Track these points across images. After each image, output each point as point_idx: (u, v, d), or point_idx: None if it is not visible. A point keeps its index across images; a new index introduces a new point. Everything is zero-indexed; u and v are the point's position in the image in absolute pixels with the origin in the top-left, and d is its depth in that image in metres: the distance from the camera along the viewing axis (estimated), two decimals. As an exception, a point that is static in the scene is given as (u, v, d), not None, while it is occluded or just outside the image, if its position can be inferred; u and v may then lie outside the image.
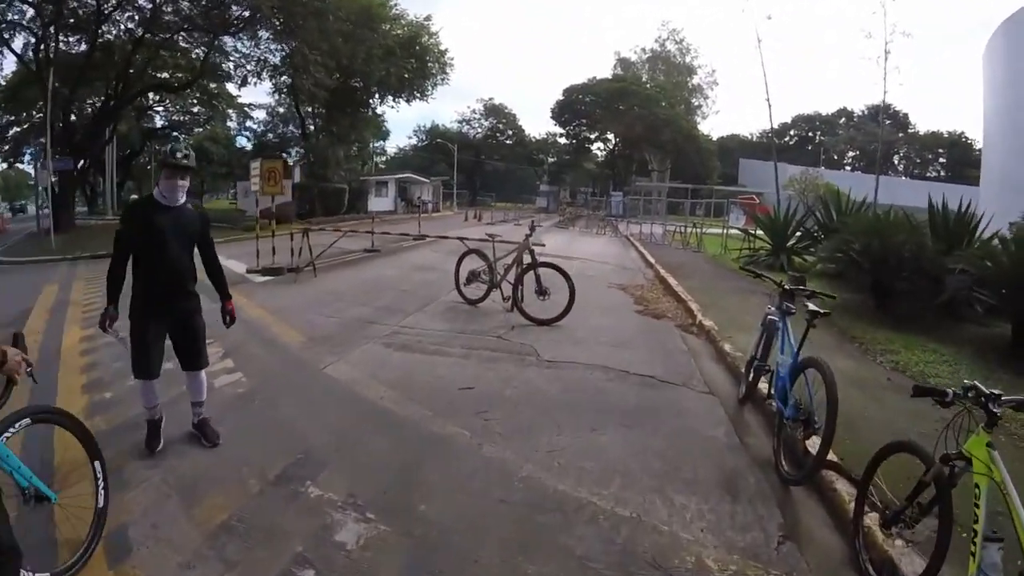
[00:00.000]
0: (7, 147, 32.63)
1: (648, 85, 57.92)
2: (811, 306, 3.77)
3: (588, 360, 5.92)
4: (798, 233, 14.11)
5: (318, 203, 29.61)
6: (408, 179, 44.38)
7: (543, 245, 8.68)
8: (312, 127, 32.62)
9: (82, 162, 30.08)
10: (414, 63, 30.70)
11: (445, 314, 7.99)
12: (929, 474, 2.49)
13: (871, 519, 3.02)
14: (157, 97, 38.48)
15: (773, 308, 4.43)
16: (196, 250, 3.98)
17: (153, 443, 3.73)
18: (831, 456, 3.47)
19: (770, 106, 30.48)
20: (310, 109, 32.13)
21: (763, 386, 4.65)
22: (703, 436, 4.28)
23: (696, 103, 65.29)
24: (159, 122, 43.66)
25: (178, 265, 3.76)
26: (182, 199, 3.78)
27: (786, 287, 4.29)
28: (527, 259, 7.88)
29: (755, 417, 4.70)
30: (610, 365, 5.76)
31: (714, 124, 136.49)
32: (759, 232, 15.49)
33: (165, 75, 28.74)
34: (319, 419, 4.40)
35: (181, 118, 42.89)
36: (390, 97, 33.23)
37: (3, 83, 26.77)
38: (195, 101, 39.39)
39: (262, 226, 12.81)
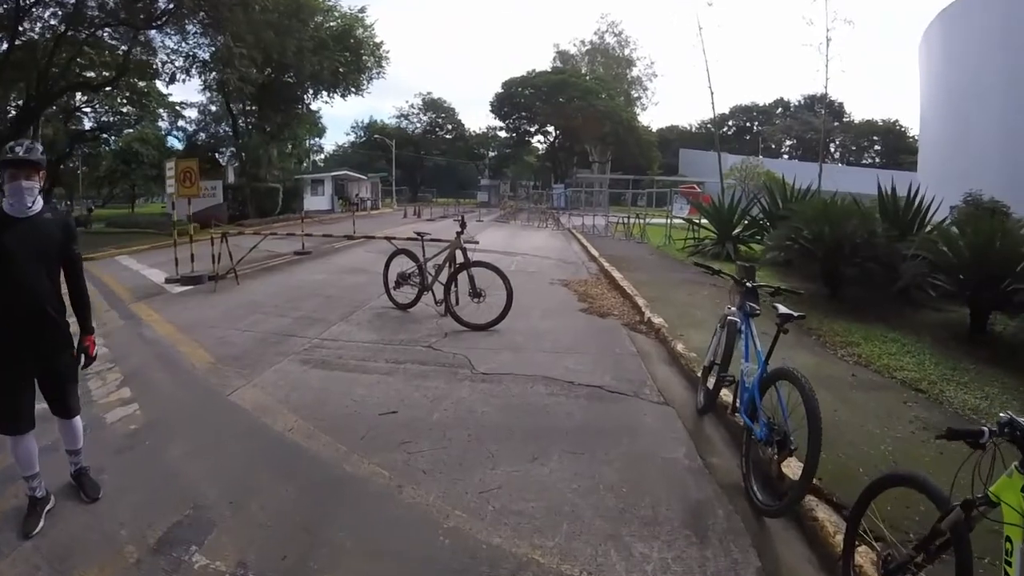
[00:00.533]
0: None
1: (588, 77, 57.92)
2: (781, 308, 3.24)
3: (528, 371, 5.31)
4: (744, 222, 13.94)
5: (251, 204, 27.99)
6: (345, 176, 42.79)
7: (477, 243, 8.00)
8: (244, 125, 30.82)
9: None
10: (348, 56, 29.28)
11: (372, 322, 7.23)
12: (946, 522, 1.98)
13: (864, 558, 2.52)
14: (85, 98, 35.96)
15: (733, 308, 3.92)
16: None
17: (31, 524, 2.92)
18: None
19: (712, 94, 30.38)
20: (241, 106, 30.36)
21: (725, 394, 4.13)
22: (661, 459, 3.72)
23: (636, 95, 66.01)
24: (88, 124, 40.85)
25: (36, 289, 2.98)
26: (35, 205, 2.97)
27: (748, 284, 3.77)
28: (461, 258, 7.21)
29: (718, 431, 4.19)
30: (553, 375, 5.17)
31: (654, 115, 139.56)
32: (703, 221, 15.29)
33: (91, 73, 26.54)
34: (215, 462, 3.67)
35: (110, 119, 40.16)
36: (324, 92, 31.70)
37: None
38: (124, 101, 36.94)
39: (180, 231, 11.61)
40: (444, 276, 7.35)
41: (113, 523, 2.98)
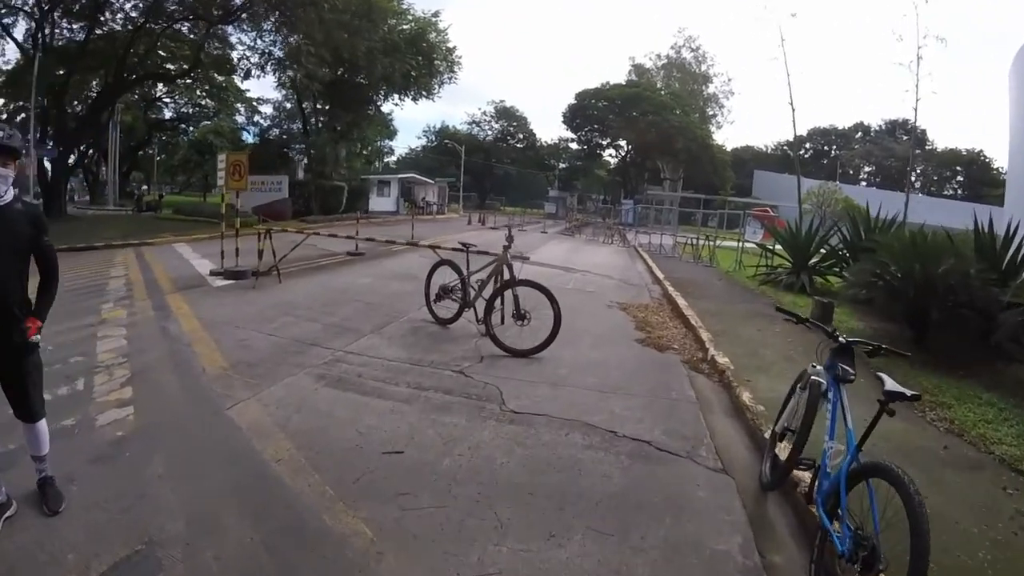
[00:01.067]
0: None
1: (663, 92, 56.52)
2: (887, 381, 2.45)
3: (566, 413, 4.59)
4: (821, 251, 12.72)
5: (316, 201, 28.49)
6: (412, 179, 43.25)
7: (526, 258, 7.35)
8: (314, 123, 31.50)
9: (82, 150, 29.37)
10: (420, 60, 29.46)
11: (406, 337, 6.70)
12: None
13: None
14: (165, 89, 38.03)
15: (819, 368, 3.11)
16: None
17: None
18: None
19: (793, 110, 28.35)
20: (312, 105, 31.07)
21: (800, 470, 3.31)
22: (710, 551, 2.94)
23: (711, 112, 64.07)
24: (168, 114, 43.18)
25: (3, 286, 2.76)
26: (7, 195, 2.74)
27: (842, 340, 2.96)
28: (508, 275, 6.59)
29: (785, 515, 3.35)
30: (594, 422, 4.43)
31: (728, 134, 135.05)
32: (778, 248, 14.10)
33: (170, 66, 27.85)
34: (189, 489, 3.23)
35: (189, 110, 42.31)
36: (395, 94, 32.01)
37: (5, 69, 26.06)
38: (203, 94, 38.77)
39: (229, 224, 11.57)
40: (489, 292, 6.76)
41: (64, 544, 2.69)
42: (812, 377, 3.14)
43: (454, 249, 7.57)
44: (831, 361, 2.96)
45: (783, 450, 3.43)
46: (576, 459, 3.80)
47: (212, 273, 10.42)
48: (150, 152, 47.56)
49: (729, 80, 78.63)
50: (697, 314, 8.68)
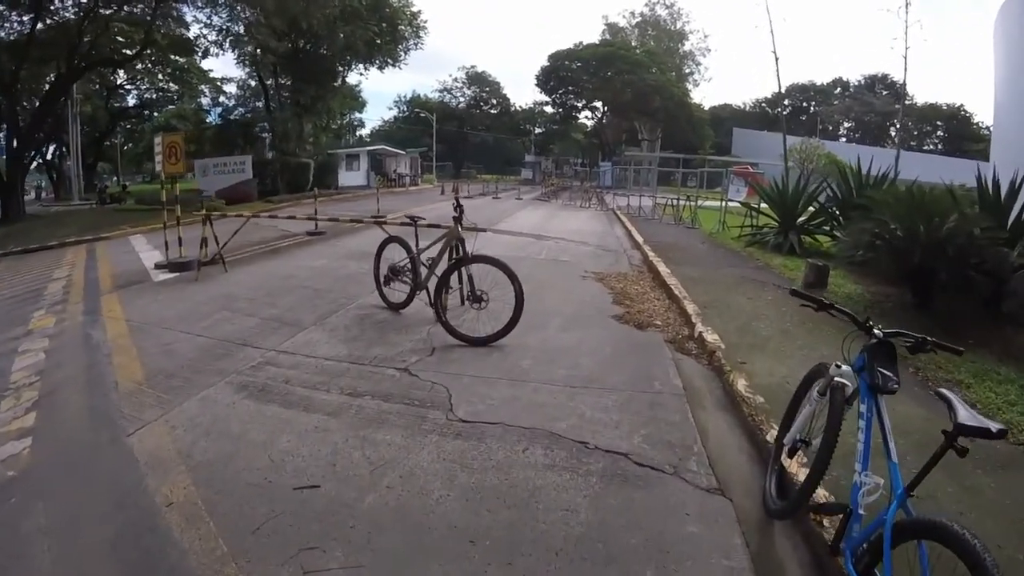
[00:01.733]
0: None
1: (638, 51, 54.95)
2: (959, 408, 1.71)
3: (526, 419, 3.81)
4: (810, 209, 11.99)
5: (281, 179, 27.25)
6: (382, 151, 41.68)
7: (482, 231, 6.50)
8: (276, 99, 29.98)
9: (42, 146, 27.72)
10: (384, 27, 27.96)
11: (350, 328, 5.86)
12: None
13: None
14: (127, 76, 36.30)
15: (846, 369, 2.35)
16: None
17: None
18: None
19: (777, 59, 25.36)
20: (273, 80, 29.54)
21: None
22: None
23: (687, 70, 62.64)
24: (131, 101, 41.31)
25: None
26: None
27: (879, 333, 2.19)
28: (461, 250, 5.75)
29: (798, 558, 2.62)
30: (560, 430, 3.65)
31: (706, 92, 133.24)
32: (763, 207, 13.35)
33: (126, 51, 26.20)
34: (66, 545, 2.64)
35: (153, 96, 40.45)
36: (359, 64, 30.53)
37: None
38: (165, 78, 37.08)
39: (187, 212, 10.54)
40: (442, 271, 5.94)
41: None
42: (835, 379, 2.38)
43: (402, 224, 6.69)
44: (865, 361, 2.20)
45: (794, 466, 2.69)
46: (534, 487, 3.02)
47: (156, 266, 9.53)
48: (116, 141, 45.52)
49: (705, 37, 77.41)
50: (681, 282, 7.94)
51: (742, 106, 75.91)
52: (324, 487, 3.02)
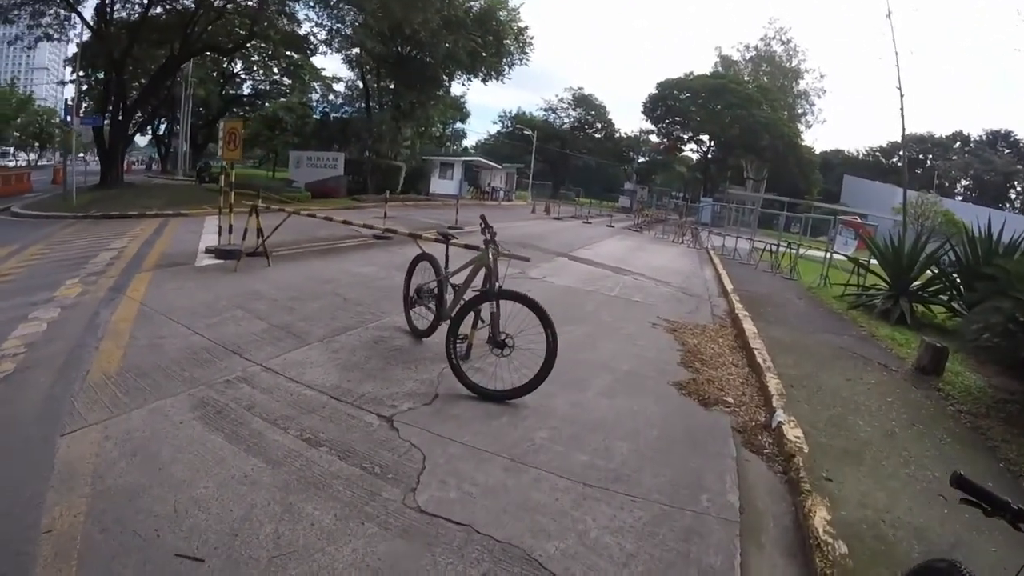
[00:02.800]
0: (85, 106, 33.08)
1: (750, 85, 52.40)
2: None
3: (504, 526, 2.75)
4: (927, 272, 10.14)
5: (371, 180, 27.53)
6: (478, 163, 41.67)
7: (525, 259, 5.44)
8: (378, 102, 30.52)
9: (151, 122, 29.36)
10: (489, 39, 27.78)
11: (357, 351, 5.02)
12: None
13: None
14: (243, 66, 38.70)
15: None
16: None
17: None
18: None
19: (902, 96, 19.80)
20: (378, 83, 30.13)
21: None
22: None
23: (800, 110, 59.38)
24: (246, 90, 44.04)
25: None
26: None
27: None
28: (492, 282, 4.77)
29: None
30: (544, 558, 2.54)
31: (818, 135, 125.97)
32: (873, 262, 11.49)
33: (235, 39, 27.66)
34: None
35: (266, 87, 42.88)
36: (462, 74, 30.53)
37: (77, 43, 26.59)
38: (279, 72, 39.21)
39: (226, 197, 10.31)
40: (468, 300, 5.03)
41: None
42: None
43: (436, 239, 5.83)
44: None
45: None
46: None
47: (207, 250, 9.30)
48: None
49: (821, 77, 72.99)
50: (767, 346, 6.59)
51: (854, 153, 71.16)
52: (209, 564, 2.29)
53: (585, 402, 4.46)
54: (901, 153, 31.68)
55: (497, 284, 4.33)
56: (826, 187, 55.06)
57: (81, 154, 38.15)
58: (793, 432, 4.12)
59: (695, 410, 4.67)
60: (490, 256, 4.48)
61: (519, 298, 4.22)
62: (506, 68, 30.26)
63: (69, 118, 18.51)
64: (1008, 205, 60.43)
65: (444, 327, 5.10)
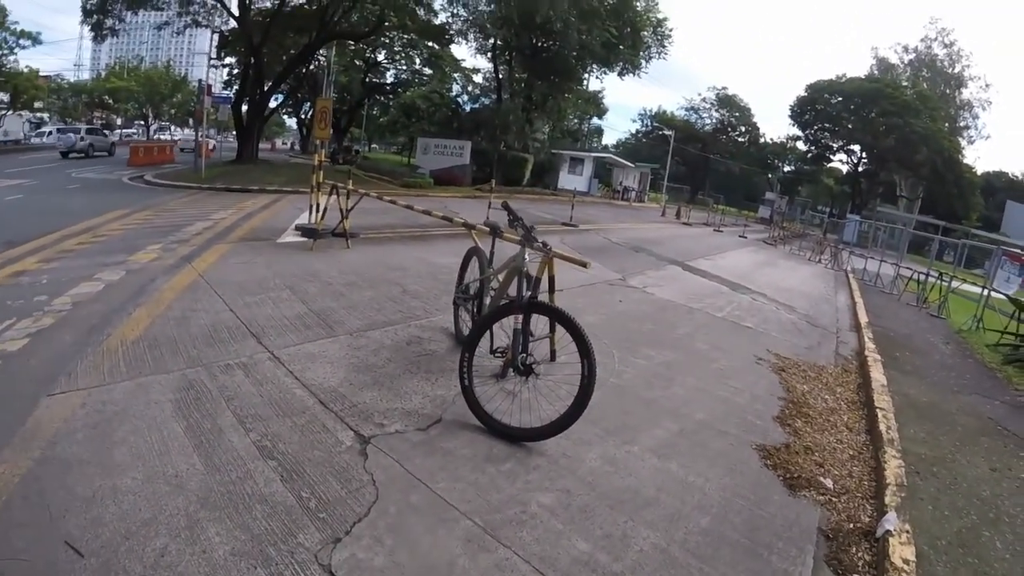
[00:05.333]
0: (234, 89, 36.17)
1: (908, 92, 46.32)
2: None
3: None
4: None
5: (497, 170, 27.39)
6: (610, 160, 40.41)
7: (584, 265, 4.46)
8: (509, 92, 30.33)
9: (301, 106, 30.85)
10: (625, 31, 26.49)
11: (380, 352, 4.42)
12: None
13: None
14: (386, 56, 40.48)
15: None
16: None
17: None
18: None
19: None
20: (511, 73, 29.94)
21: None
22: None
23: (962, 123, 51.74)
24: (389, 79, 46.05)
25: None
26: None
27: None
28: (524, 291, 3.89)
29: None
30: None
31: (980, 153, 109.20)
32: None
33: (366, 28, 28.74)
34: None
35: (408, 76, 44.56)
36: (597, 66, 29.47)
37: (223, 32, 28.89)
38: (421, 62, 40.56)
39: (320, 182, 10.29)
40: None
41: None
42: None
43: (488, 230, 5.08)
44: None
45: None
46: None
47: (298, 227, 9.36)
48: (374, 112, 51.15)
49: (987, 86, 63.40)
50: (896, 407, 5.19)
51: (1019, 177, 60.84)
52: (86, 562, 2.13)
53: (624, 460, 3.46)
54: None
55: (528, 293, 3.49)
56: (986, 213, 47.75)
57: (234, 133, 42.03)
58: (903, 552, 2.89)
59: (774, 493, 3.47)
60: (526, 258, 3.65)
61: (552, 313, 3.36)
62: (643, 62, 28.78)
63: (203, 97, 20.15)
64: None
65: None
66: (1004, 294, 11.74)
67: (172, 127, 60.07)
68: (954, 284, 13.01)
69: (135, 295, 5.12)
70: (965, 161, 48.30)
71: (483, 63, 46.62)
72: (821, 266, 19.77)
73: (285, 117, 59.24)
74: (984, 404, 6.06)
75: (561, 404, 3.39)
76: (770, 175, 62.49)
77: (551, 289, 4.34)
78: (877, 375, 6.23)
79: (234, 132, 32.26)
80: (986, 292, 11.91)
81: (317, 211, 9.08)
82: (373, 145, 61.80)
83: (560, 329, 3.47)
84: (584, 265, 4.08)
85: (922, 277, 13.86)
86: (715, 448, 3.90)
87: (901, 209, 42.90)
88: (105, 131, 35.92)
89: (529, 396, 3.60)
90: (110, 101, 53.21)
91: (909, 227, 29.26)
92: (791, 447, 4.14)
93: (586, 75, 31.43)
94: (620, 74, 29.83)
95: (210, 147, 24.85)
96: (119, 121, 57.31)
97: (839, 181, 57.93)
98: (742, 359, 6.22)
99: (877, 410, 5.11)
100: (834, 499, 3.52)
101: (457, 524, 2.59)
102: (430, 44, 32.23)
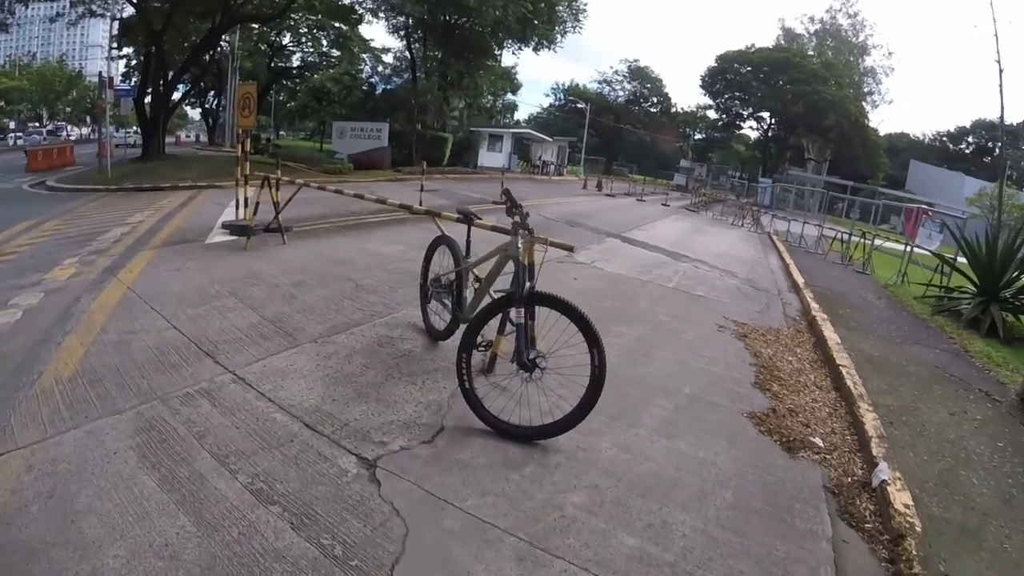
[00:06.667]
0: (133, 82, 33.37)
1: (815, 60, 49.07)
2: None
3: None
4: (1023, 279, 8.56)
5: (416, 151, 26.66)
6: (528, 135, 40.35)
7: (569, 250, 4.24)
8: (424, 71, 29.51)
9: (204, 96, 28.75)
10: (541, 6, 26.30)
11: (354, 357, 4.09)
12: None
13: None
14: (291, 38, 38.49)
15: None
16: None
17: None
18: None
19: (1001, 72, 13.33)
20: (424, 52, 29.12)
21: None
22: None
23: (866, 89, 55.62)
24: (295, 62, 43.89)
25: None
26: None
27: None
28: (522, 281, 3.65)
29: None
30: None
31: (884, 116, 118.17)
32: (962, 261, 9.93)
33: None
34: None
35: (315, 59, 42.60)
36: (512, 42, 29.15)
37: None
38: (328, 43, 38.90)
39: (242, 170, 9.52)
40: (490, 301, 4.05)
41: None
42: None
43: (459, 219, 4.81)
44: None
45: None
46: None
47: (225, 225, 8.60)
48: (272, 99, 48.61)
49: (890, 54, 68.09)
50: (856, 366, 5.40)
51: (920, 137, 66.29)
52: None
53: (637, 444, 3.41)
54: (1001, 137, 28.73)
55: (528, 284, 3.28)
56: (891, 173, 51.63)
57: (135, 128, 38.80)
58: (901, 498, 3.04)
59: (777, 457, 3.57)
60: (520, 246, 3.43)
61: (557, 304, 3.18)
62: (558, 36, 28.71)
63: (104, 91, 18.38)
64: None
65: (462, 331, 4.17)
66: (928, 250, 12.64)
67: (67, 127, 54.83)
68: (877, 242, 13.82)
69: (60, 320, 4.44)
70: (870, 125, 51.59)
71: (394, 42, 45.16)
72: (745, 230, 20.60)
73: (188, 109, 55.40)
74: (927, 353, 6.44)
75: (557, 396, 3.27)
76: (682, 144, 64.47)
77: (530, 276, 4.16)
78: (829, 334, 6.48)
79: (135, 128, 29.86)
80: (909, 249, 12.75)
81: (246, 206, 8.43)
82: (281, 132, 58.80)
83: (547, 316, 3.27)
84: (570, 250, 3.88)
85: (846, 237, 14.63)
86: (712, 421, 3.94)
87: (809, 171, 45.47)
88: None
89: (525, 391, 3.39)
90: (1, 104, 47.99)
91: (819, 188, 31.07)
92: (777, 411, 4.25)
93: (500, 51, 31.03)
94: (535, 49, 29.67)
95: (113, 144, 22.78)
96: (12, 124, 51.47)
97: (749, 147, 60.57)
98: (705, 328, 6.32)
99: (840, 367, 5.31)
100: (827, 456, 3.67)
101: (502, 543, 2.40)
102: (338, 25, 30.76)
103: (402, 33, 28.72)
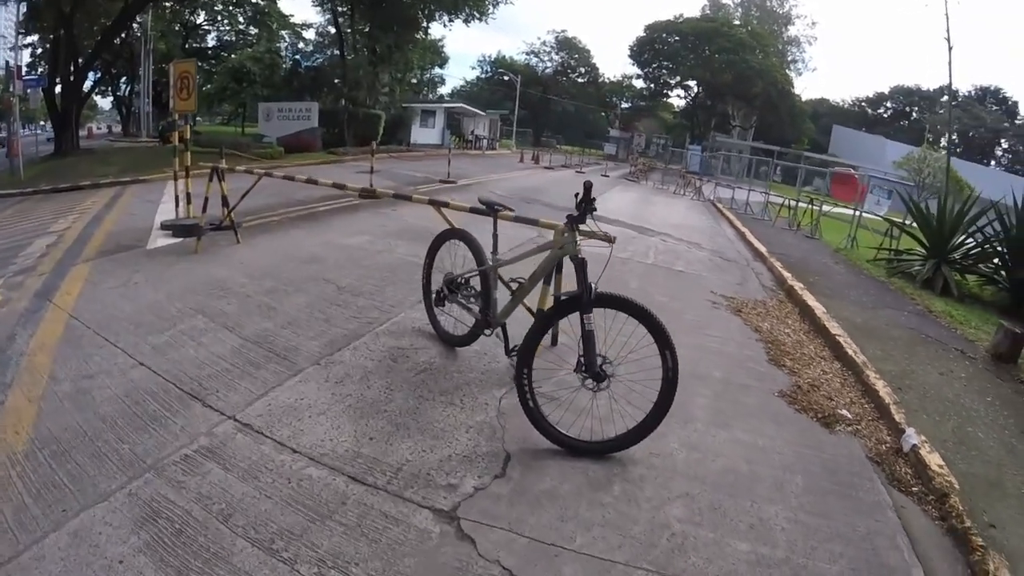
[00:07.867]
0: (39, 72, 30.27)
1: (743, 30, 50.40)
2: None
3: None
4: (968, 241, 9.17)
5: (348, 131, 25.45)
6: (460, 110, 39.46)
7: (610, 241, 3.81)
8: (352, 46, 28.08)
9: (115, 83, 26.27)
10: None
11: (370, 378, 3.65)
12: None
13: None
14: (206, 16, 35.88)
15: None
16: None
17: None
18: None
19: (950, 49, 13.48)
20: (352, 26, 27.71)
21: None
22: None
23: (791, 57, 57.96)
24: (211, 42, 40.96)
25: None
26: None
27: None
28: (583, 281, 3.13)
29: None
30: None
31: (807, 84, 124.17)
32: (913, 225, 10.45)
33: None
34: None
35: (232, 38, 39.87)
36: (443, 14, 28.17)
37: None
38: (245, 20, 36.47)
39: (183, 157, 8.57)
40: (540, 301, 3.76)
41: None
42: None
43: (472, 209, 4.42)
44: None
45: None
46: None
47: (163, 226, 7.71)
48: (197, 81, 45.40)
49: (813, 24, 70.95)
50: (847, 332, 5.51)
51: (840, 103, 69.74)
52: None
53: (701, 441, 3.31)
54: (948, 102, 30.49)
55: (592, 285, 2.96)
56: (814, 138, 54.14)
57: (42, 122, 35.12)
58: (934, 459, 3.22)
59: (819, 435, 3.64)
60: (576, 241, 3.13)
61: (624, 306, 2.90)
62: (490, 7, 27.96)
63: (13, 83, 16.39)
64: (995, 162, 60.20)
65: (490, 337, 3.83)
66: (878, 215, 13.27)
67: None
68: (824, 208, 14.30)
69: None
70: (795, 92, 53.48)
71: (315, 16, 42.81)
72: (688, 199, 20.92)
73: (98, 98, 50.70)
74: (899, 316, 6.66)
75: (624, 403, 3.06)
76: (609, 113, 64.97)
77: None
78: (813, 303, 6.55)
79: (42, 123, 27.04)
80: (858, 214, 13.26)
81: (189, 202, 7.64)
82: (197, 118, 54.97)
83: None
84: (611, 241, 3.58)
85: (792, 203, 15.04)
86: (751, 404, 3.91)
87: (735, 137, 46.77)
88: None
89: (595, 404, 3.11)
90: None
91: (745, 154, 32.03)
92: (800, 388, 4.26)
93: (429, 23, 29.95)
94: (466, 21, 28.79)
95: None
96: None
97: (675, 115, 61.71)
98: (700, 306, 6.27)
99: (835, 337, 5.39)
100: (858, 427, 3.74)
101: (639, 569, 2.22)
102: (255, 0, 28.77)
103: (327, 6, 27.10)
